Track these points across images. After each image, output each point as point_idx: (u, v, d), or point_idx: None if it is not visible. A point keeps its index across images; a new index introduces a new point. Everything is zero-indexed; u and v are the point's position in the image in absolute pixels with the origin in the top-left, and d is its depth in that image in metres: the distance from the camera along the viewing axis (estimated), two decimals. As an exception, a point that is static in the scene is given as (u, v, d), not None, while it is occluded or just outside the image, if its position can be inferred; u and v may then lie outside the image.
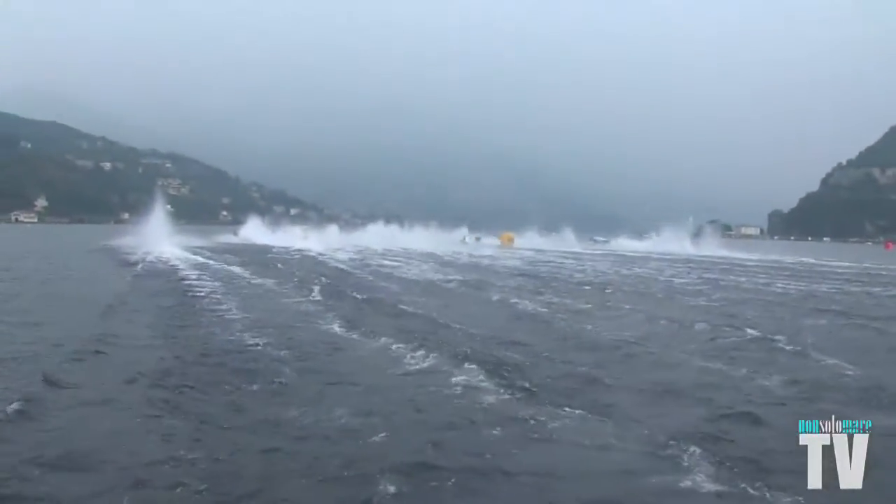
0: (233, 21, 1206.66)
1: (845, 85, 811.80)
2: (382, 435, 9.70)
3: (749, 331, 20.03)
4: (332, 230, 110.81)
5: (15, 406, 10.78)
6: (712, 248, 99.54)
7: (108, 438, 9.63)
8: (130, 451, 9.10)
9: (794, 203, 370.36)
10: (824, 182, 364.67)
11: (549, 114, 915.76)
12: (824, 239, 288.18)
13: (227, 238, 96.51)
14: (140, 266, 43.40)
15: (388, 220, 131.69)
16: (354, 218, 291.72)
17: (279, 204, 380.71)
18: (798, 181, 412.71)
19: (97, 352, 15.52)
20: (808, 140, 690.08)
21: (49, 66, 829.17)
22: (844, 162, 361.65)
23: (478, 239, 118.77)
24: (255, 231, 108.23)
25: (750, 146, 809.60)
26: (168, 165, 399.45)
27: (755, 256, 79.64)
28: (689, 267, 58.21)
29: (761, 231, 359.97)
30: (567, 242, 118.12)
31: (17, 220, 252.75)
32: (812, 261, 71.06)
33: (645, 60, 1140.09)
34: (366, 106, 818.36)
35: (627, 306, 26.14)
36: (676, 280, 43.13)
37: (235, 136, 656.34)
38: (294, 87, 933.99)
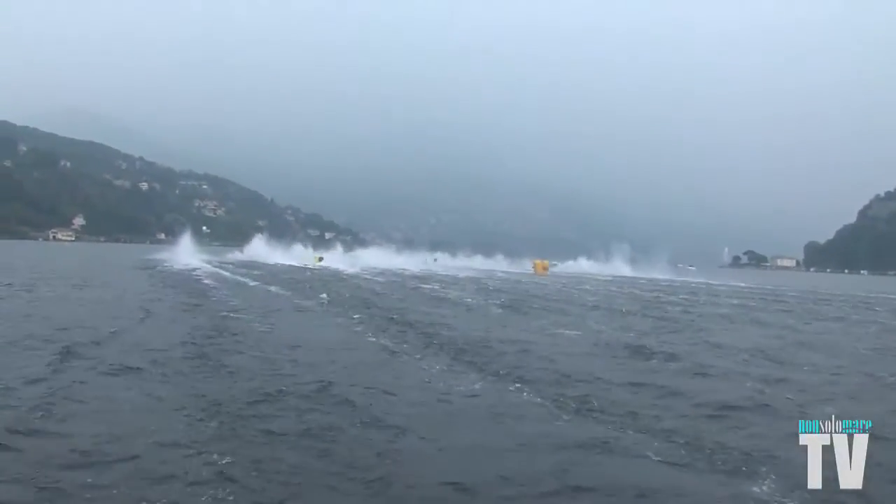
0: (270, 47, 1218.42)
1: (884, 115, 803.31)
2: (420, 452, 9.64)
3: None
4: (344, 252, 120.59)
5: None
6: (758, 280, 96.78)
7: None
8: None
9: (830, 234, 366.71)
10: (862, 213, 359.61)
11: (584, 142, 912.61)
12: (861, 271, 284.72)
13: (232, 255, 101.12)
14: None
15: (418, 246, 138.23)
16: (389, 243, 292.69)
17: (314, 227, 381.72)
18: (835, 212, 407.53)
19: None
20: (845, 170, 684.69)
21: (89, 88, 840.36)
22: (882, 193, 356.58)
23: (435, 260, 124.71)
24: (261, 249, 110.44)
25: (786, 176, 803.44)
26: (205, 187, 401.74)
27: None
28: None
29: (797, 263, 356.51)
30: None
31: (54, 237, 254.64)
32: None
33: (679, 90, 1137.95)
34: (400, 132, 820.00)
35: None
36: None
37: (272, 160, 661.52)
38: (330, 111, 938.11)
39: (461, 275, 78.09)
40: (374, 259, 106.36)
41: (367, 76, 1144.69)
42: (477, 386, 14.05)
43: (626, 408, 12.21)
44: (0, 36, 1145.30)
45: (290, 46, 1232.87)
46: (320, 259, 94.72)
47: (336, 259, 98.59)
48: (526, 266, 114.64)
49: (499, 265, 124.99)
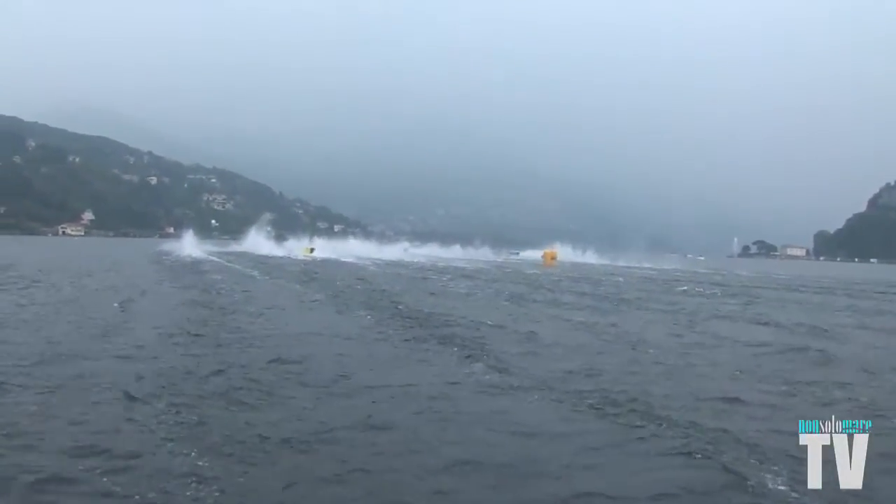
0: (277, 43, 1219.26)
1: (893, 105, 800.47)
2: (419, 453, 9.37)
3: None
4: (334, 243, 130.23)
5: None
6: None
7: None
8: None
9: (840, 223, 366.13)
10: (871, 202, 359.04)
11: (593, 136, 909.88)
12: (871, 260, 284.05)
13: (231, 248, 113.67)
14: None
15: (426, 239, 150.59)
16: (399, 235, 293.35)
17: (323, 220, 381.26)
18: (844, 201, 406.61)
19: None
20: (854, 160, 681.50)
21: (96, 83, 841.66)
22: (893, 182, 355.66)
23: (405, 250, 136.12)
24: (257, 241, 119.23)
25: (795, 166, 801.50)
26: (213, 181, 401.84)
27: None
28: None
29: (807, 252, 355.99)
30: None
31: (63, 232, 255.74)
32: None
33: (686, 84, 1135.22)
34: (409, 125, 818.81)
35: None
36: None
37: (280, 154, 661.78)
38: (338, 105, 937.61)
39: (469, 266, 78.55)
40: (370, 251, 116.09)
41: (375, 71, 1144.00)
42: (483, 380, 13.94)
43: (636, 402, 12.04)
44: (8, 33, 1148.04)
45: (298, 41, 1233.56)
46: (311, 250, 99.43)
47: (327, 250, 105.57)
48: (535, 256, 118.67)
49: (510, 256, 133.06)
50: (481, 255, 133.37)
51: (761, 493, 7.91)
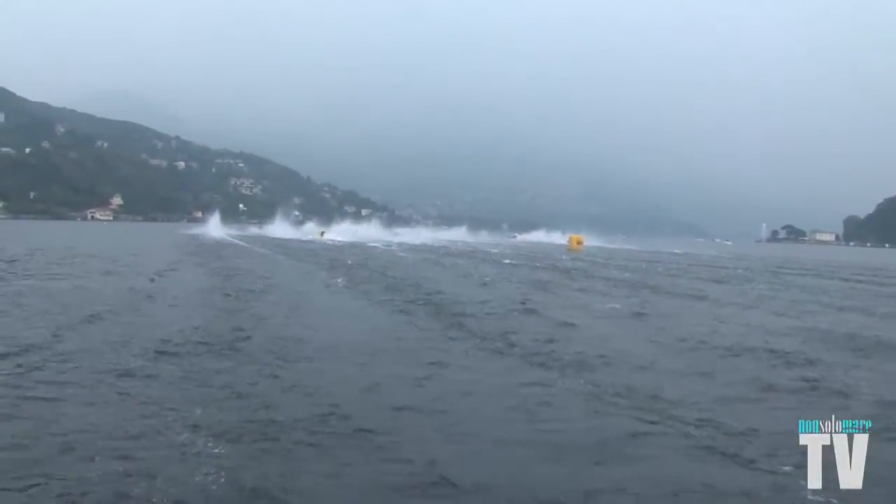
0: (307, 27, 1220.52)
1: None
2: (436, 447, 9.18)
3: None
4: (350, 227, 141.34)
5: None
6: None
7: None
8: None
9: (870, 208, 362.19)
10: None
11: (620, 125, 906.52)
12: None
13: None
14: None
15: (452, 223, 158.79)
16: (425, 219, 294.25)
17: (350, 204, 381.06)
18: (875, 186, 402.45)
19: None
20: (884, 144, 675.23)
21: (125, 69, 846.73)
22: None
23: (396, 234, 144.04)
24: (276, 225, 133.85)
25: (826, 151, 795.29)
26: (241, 165, 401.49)
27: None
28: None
29: (836, 237, 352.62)
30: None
31: (92, 217, 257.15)
32: None
33: (721, 71, 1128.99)
34: (436, 112, 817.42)
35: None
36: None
37: (308, 138, 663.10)
38: (366, 90, 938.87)
39: (493, 250, 79.45)
40: (396, 236, 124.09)
41: (404, 57, 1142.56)
42: (504, 370, 13.87)
43: (658, 397, 11.91)
44: (36, 21, 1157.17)
45: (328, 27, 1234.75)
46: (322, 233, 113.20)
47: (349, 234, 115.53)
48: (561, 240, 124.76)
49: (509, 238, 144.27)
50: (506, 240, 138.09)
51: (783, 491, 7.84)
